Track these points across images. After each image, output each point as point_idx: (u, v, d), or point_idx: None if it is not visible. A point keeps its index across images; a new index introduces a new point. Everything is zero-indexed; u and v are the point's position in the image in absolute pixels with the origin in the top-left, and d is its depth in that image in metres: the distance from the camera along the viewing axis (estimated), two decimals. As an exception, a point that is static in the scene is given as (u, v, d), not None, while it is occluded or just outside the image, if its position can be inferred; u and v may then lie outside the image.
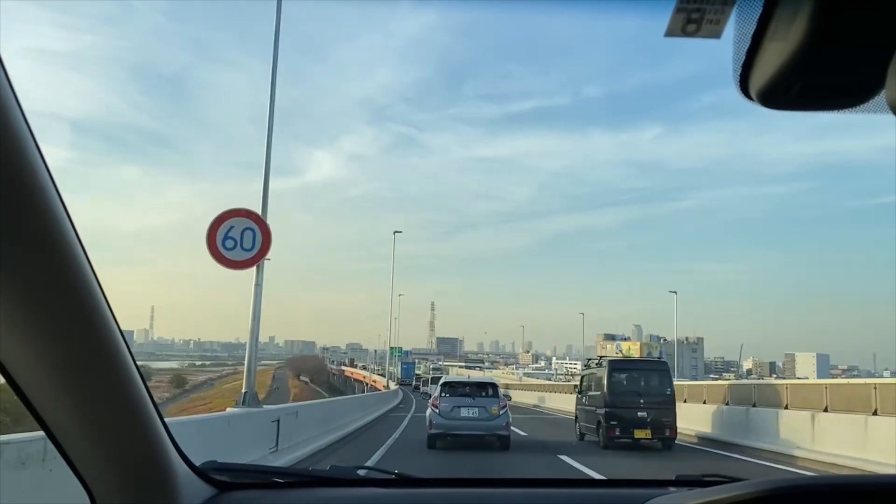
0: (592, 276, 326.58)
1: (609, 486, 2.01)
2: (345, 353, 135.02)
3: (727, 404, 18.35)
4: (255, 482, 1.76)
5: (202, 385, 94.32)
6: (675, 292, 53.73)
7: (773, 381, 24.06)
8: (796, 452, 14.14)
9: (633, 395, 16.08)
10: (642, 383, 16.53)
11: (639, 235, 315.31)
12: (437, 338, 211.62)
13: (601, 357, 19.13)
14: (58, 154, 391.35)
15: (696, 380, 53.55)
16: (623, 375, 16.70)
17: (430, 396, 17.75)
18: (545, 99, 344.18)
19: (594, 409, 16.88)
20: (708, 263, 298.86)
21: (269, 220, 11.76)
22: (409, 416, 26.99)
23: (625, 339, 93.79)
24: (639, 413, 15.74)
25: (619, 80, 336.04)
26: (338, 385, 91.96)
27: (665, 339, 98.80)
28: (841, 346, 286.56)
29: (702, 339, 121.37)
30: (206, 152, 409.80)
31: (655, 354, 63.14)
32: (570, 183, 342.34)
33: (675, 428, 16.06)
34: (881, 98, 0.82)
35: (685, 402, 19.68)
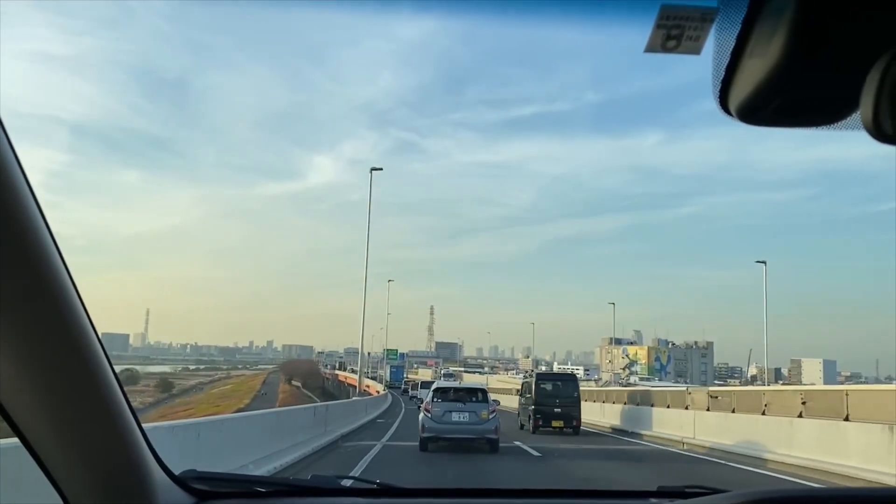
0: (593, 282, 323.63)
1: (592, 496, 1.99)
2: (341, 357, 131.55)
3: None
4: (235, 491, 1.75)
5: (191, 390, 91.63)
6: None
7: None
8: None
9: (551, 397, 22.56)
10: (558, 389, 22.92)
11: (640, 241, 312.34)
12: (437, 342, 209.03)
13: (533, 370, 25.22)
14: (57, 157, 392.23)
15: (705, 385, 52.00)
16: (546, 384, 23.20)
17: (417, 399, 19.83)
18: (546, 104, 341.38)
19: (528, 406, 23.21)
20: (709, 270, 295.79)
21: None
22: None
23: (631, 344, 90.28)
24: (555, 410, 22.24)
25: (620, 86, 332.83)
26: (331, 390, 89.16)
27: (673, 344, 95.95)
28: (846, 352, 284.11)
29: (711, 343, 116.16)
30: (206, 156, 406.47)
31: (663, 359, 60.55)
32: (570, 188, 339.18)
33: (580, 419, 22.86)
34: (856, 116, 0.84)
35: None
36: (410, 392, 56.00)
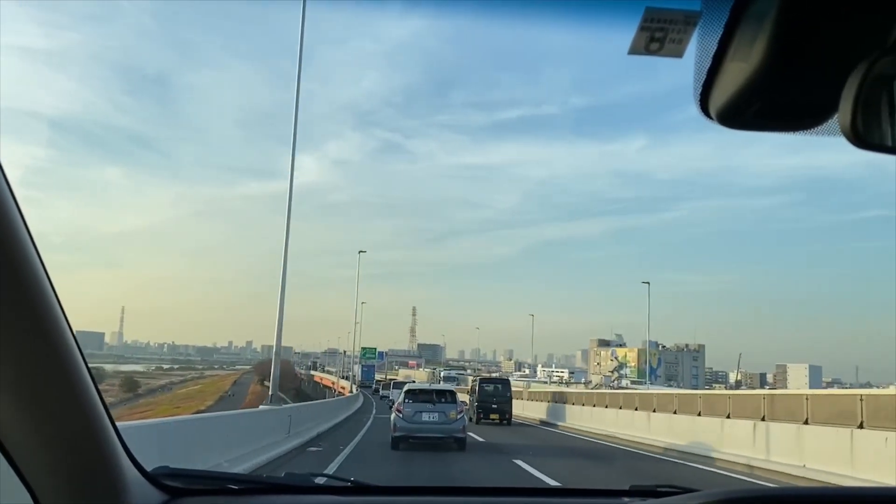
0: (576, 286, 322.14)
1: (564, 495, 2.04)
2: (318, 358, 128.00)
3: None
4: (208, 488, 1.75)
5: (158, 390, 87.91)
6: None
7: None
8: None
9: (490, 396, 27.91)
10: (496, 391, 28.36)
11: (623, 245, 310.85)
12: (419, 343, 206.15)
13: (478, 376, 33.08)
14: (37, 153, 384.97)
15: (696, 388, 52.16)
16: (487, 386, 28.84)
17: (388, 399, 24.46)
18: (532, 108, 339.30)
19: (473, 403, 28.31)
20: (694, 275, 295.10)
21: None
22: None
23: (620, 346, 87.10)
24: (493, 406, 27.49)
25: (605, 91, 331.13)
26: (308, 391, 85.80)
27: (664, 347, 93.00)
28: (831, 358, 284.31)
29: (703, 346, 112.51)
30: (188, 155, 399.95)
31: (653, 362, 58.47)
32: (555, 192, 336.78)
33: (511, 413, 28.30)
34: (834, 121, 0.86)
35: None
36: (381, 392, 56.25)
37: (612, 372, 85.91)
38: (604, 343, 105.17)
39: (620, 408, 24.29)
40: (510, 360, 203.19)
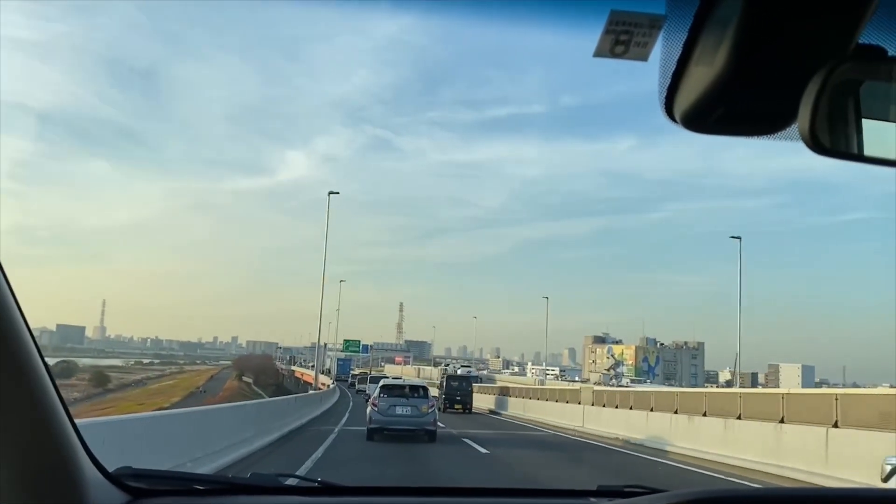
0: (562, 285, 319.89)
1: (532, 495, 2.03)
2: (301, 353, 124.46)
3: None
4: (173, 489, 1.72)
5: (132, 385, 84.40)
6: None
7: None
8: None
9: (455, 390, 34.15)
10: (460, 385, 34.85)
11: (610, 245, 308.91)
12: (406, 340, 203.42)
13: (445, 372, 40.43)
14: (24, 146, 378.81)
15: (695, 387, 50.71)
16: (453, 381, 35.51)
17: (364, 394, 29.87)
18: (522, 106, 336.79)
19: (441, 395, 32.76)
20: (683, 275, 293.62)
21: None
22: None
23: (616, 343, 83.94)
24: (456, 398, 33.79)
25: (595, 90, 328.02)
26: (288, 386, 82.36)
27: (662, 344, 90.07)
28: (821, 358, 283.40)
29: (702, 344, 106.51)
30: (176, 149, 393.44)
31: (651, 360, 56.52)
32: (543, 191, 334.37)
33: (472, 404, 34.73)
34: (794, 127, 0.89)
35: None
36: (357, 386, 55.61)
37: (608, 370, 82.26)
38: (599, 340, 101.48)
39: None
40: (497, 357, 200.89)
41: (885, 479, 4.66)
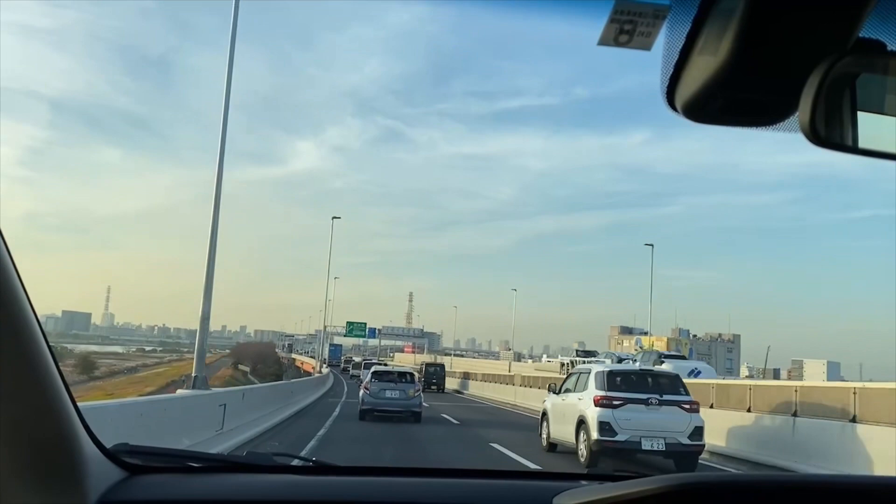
0: (572, 278, 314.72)
1: (522, 477, 2.06)
2: (308, 342, 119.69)
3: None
4: (168, 466, 1.73)
5: (123, 372, 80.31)
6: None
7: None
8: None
9: (431, 374, 44.42)
10: (435, 371, 45.74)
11: (621, 239, 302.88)
12: (416, 329, 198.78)
13: (425, 364, 48.18)
14: (36, 133, 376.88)
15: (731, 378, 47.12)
16: (430, 368, 46.20)
17: (357, 378, 37.88)
18: (534, 98, 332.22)
19: (421, 378, 33.53)
20: (693, 270, 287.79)
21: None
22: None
23: (644, 334, 78.55)
24: (432, 380, 43.28)
25: (608, 82, 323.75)
26: (291, 376, 77.81)
27: (695, 336, 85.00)
28: (848, 354, 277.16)
29: (738, 336, 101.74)
30: (187, 138, 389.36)
31: (685, 352, 52.11)
32: (554, 184, 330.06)
33: (444, 385, 44.65)
34: (794, 119, 0.89)
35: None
36: (351, 371, 58.24)
37: (635, 363, 76.66)
38: (625, 330, 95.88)
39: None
40: (508, 349, 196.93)
41: None
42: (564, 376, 16.11)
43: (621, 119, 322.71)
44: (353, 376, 52.26)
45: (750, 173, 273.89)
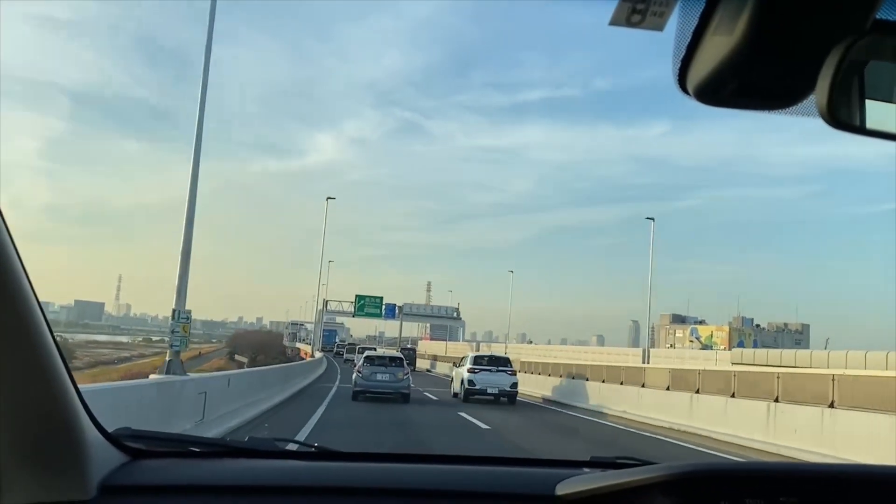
0: (591, 272, 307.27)
1: (525, 464, 2.06)
2: (310, 330, 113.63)
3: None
4: (170, 451, 1.76)
5: (115, 362, 75.63)
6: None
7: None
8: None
9: (406, 356, 32.51)
10: (408, 353, 45.94)
11: (639, 232, 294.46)
12: (432, 324, 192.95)
13: (401, 348, 51.96)
14: (56, 125, 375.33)
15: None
16: (404, 350, 46.66)
17: (351, 362, 38.16)
18: (553, 90, 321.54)
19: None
20: (705, 263, 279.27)
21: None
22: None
23: (699, 323, 70.67)
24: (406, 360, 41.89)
25: (629, 74, 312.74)
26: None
27: (759, 326, 78.09)
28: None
29: (807, 326, 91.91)
30: (207, 129, 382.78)
31: (748, 343, 45.37)
32: (573, 177, 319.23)
33: (416, 365, 51.45)
34: (810, 102, 0.87)
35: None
36: (345, 356, 58.06)
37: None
38: (678, 319, 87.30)
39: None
40: (529, 342, 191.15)
41: None
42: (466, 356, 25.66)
43: (641, 111, 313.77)
44: (346, 360, 53.66)
45: (772, 166, 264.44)
